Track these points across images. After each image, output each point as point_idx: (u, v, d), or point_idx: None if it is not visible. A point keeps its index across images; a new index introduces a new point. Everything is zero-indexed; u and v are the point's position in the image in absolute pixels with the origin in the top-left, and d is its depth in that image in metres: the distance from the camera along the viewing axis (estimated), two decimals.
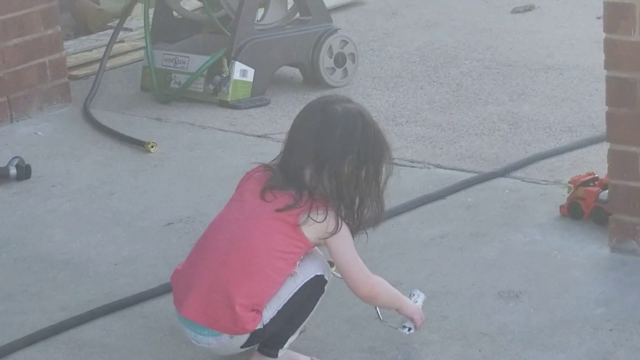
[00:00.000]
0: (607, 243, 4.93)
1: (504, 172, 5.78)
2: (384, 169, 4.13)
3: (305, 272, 4.07)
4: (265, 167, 4.12)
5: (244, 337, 4.03)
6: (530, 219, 5.25)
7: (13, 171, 6.05)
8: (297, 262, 4.02)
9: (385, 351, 4.30)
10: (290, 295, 4.03)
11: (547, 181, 5.65)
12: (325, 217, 3.97)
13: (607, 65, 4.74)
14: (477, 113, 6.71)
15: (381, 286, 4.15)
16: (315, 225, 3.97)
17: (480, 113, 6.70)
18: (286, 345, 4.12)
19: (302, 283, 4.05)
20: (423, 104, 6.93)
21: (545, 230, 5.14)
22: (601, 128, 6.25)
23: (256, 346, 4.12)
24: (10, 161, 6.10)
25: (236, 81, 7.01)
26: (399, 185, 5.70)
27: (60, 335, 4.53)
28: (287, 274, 4.00)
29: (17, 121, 6.91)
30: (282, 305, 4.03)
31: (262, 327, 4.01)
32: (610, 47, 4.70)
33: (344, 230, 4.04)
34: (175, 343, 4.36)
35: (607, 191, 5.10)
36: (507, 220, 5.26)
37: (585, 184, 5.22)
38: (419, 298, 4.32)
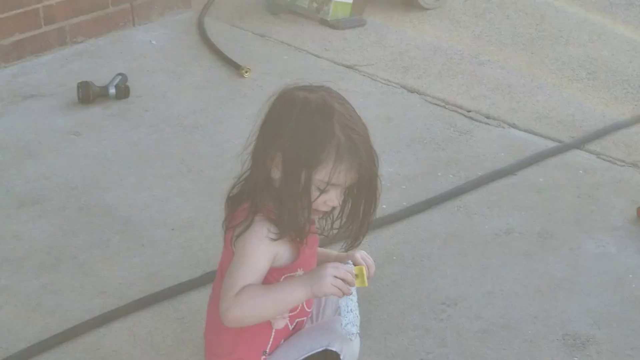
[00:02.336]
0: None
1: (580, 144, 3.77)
2: (319, 177, 2.07)
3: (313, 343, 2.23)
4: None
5: None
6: (603, 220, 3.29)
7: (112, 91, 4.22)
8: None
9: None
10: None
11: (623, 162, 3.64)
12: (243, 220, 2.12)
13: None
14: (558, 54, 4.65)
15: (240, 305, 2.08)
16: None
17: (561, 55, 4.64)
18: None
19: (307, 354, 2.22)
20: (507, 37, 4.87)
21: (619, 239, 3.18)
22: None
23: None
24: (112, 79, 4.26)
25: (337, 2, 5.01)
26: (471, 149, 3.77)
27: (80, 339, 2.78)
28: None
29: (139, 25, 5.01)
30: None
31: None
32: None
33: (251, 230, 2.10)
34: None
35: None
36: (578, 217, 3.31)
37: None
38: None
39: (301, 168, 2.05)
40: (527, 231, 3.23)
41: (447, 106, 4.11)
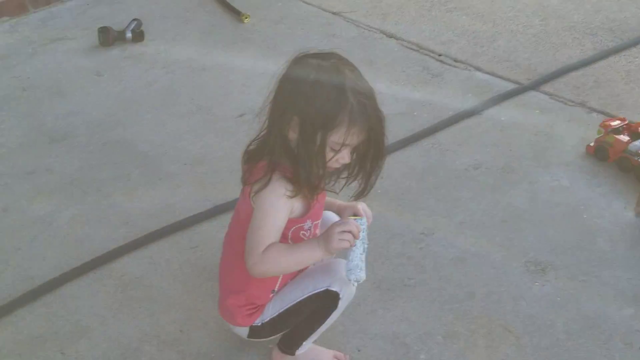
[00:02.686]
0: (631, 200, 2.83)
1: (535, 86, 3.57)
2: (334, 138, 1.85)
3: (316, 283, 2.05)
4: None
5: (244, 330, 2.13)
6: (557, 156, 3.10)
7: (129, 35, 3.96)
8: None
9: (409, 342, 2.34)
10: (294, 302, 2.07)
11: (573, 102, 3.44)
12: (261, 178, 1.90)
13: None
14: (514, 3, 4.38)
15: (266, 263, 1.90)
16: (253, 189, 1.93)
17: (516, 3, 4.38)
18: (302, 349, 2.17)
19: (310, 293, 2.05)
20: None
21: (571, 173, 3.00)
22: (619, 34, 4.00)
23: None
24: (129, 24, 4.00)
25: None
26: (442, 91, 3.55)
27: (107, 266, 2.60)
28: None
29: None
30: (284, 308, 2.08)
31: (260, 324, 2.11)
32: None
33: (270, 190, 1.89)
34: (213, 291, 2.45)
35: (636, 143, 2.97)
36: (536, 153, 3.12)
37: (616, 130, 3.05)
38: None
39: (317, 131, 1.84)
40: (492, 166, 3.05)
41: (420, 50, 3.87)
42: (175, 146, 3.19)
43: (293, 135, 1.89)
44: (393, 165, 3.04)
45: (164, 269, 2.58)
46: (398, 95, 3.49)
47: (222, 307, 2.15)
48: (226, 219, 2.74)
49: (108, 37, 3.90)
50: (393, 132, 3.16)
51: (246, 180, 1.95)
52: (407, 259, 2.61)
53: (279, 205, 1.90)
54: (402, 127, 3.26)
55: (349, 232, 1.91)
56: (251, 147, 2.00)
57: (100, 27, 3.92)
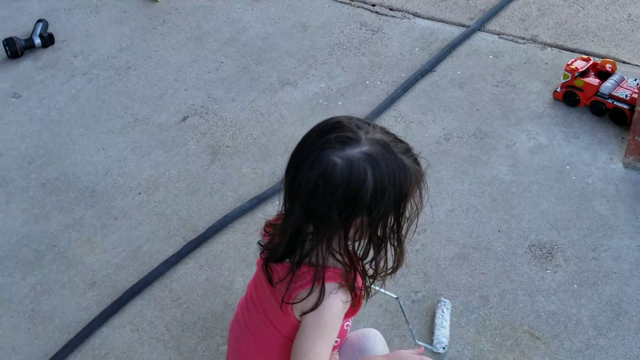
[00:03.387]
0: (614, 149, 2.58)
1: (480, 26, 3.23)
2: (409, 211, 1.52)
3: None
4: (271, 225, 1.64)
5: None
6: (526, 108, 2.81)
7: (38, 41, 3.43)
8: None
9: None
10: None
11: (523, 39, 3.13)
12: (309, 294, 1.52)
13: None
14: None
15: None
16: (296, 305, 1.54)
17: None
18: None
19: None
20: None
21: (546, 127, 2.72)
22: None
23: None
24: (34, 27, 3.47)
25: None
26: (388, 49, 3.19)
27: (85, 345, 2.23)
28: None
29: None
30: None
31: None
32: None
33: (326, 308, 1.51)
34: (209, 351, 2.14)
35: (607, 84, 2.69)
36: (503, 110, 2.82)
37: (583, 73, 2.76)
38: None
39: (392, 214, 1.49)
40: (463, 133, 2.74)
41: (352, 2, 3.47)
42: (122, 172, 2.78)
43: (353, 231, 1.50)
44: None
45: (150, 335, 2.24)
46: (343, 62, 3.12)
47: None
48: (201, 255, 2.41)
49: (16, 49, 3.37)
50: (350, 109, 2.84)
51: (287, 295, 1.53)
52: (406, 268, 2.32)
53: (335, 322, 1.52)
54: (357, 102, 2.91)
55: None
56: (274, 245, 1.60)
57: (5, 40, 3.38)
